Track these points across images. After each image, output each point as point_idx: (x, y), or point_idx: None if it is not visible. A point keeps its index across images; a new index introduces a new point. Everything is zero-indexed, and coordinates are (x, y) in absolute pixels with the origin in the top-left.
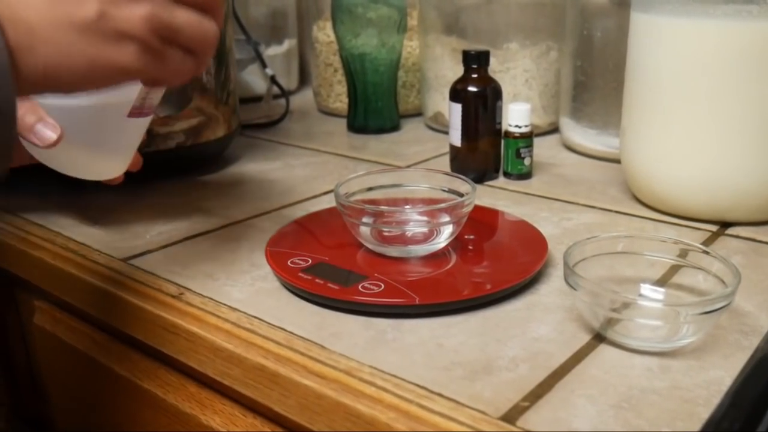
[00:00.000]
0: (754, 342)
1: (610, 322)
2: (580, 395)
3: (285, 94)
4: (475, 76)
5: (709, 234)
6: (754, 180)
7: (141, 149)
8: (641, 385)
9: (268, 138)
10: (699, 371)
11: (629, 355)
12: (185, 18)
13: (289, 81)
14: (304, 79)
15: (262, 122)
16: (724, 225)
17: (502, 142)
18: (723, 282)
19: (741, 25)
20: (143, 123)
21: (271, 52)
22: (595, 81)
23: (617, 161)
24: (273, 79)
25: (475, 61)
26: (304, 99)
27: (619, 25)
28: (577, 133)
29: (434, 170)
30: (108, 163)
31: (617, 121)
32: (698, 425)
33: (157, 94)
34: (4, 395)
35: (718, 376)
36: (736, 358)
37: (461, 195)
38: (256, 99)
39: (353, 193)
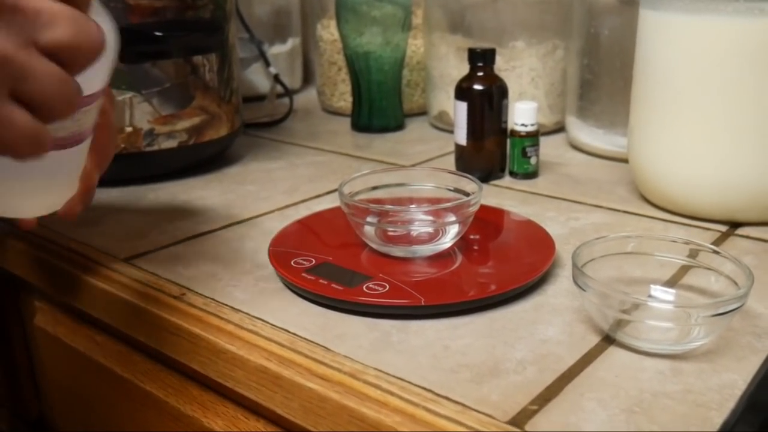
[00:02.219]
0: (767, 344)
1: (619, 324)
2: (590, 399)
3: (288, 92)
4: (480, 74)
5: (719, 234)
6: (765, 180)
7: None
8: (653, 389)
9: (271, 137)
10: (711, 374)
11: (640, 358)
12: (44, 70)
13: (292, 80)
14: (307, 77)
15: (265, 121)
16: (734, 225)
17: (508, 141)
18: (735, 283)
19: (753, 22)
20: (76, 151)
21: (274, 50)
22: (602, 79)
23: (625, 161)
24: (277, 78)
25: (481, 59)
26: (307, 98)
27: (627, 23)
28: (583, 133)
29: (440, 169)
30: (37, 199)
31: (624, 120)
32: (712, 430)
33: (88, 117)
34: (5, 397)
35: (732, 379)
36: (749, 361)
37: (467, 194)
38: (260, 98)
39: (357, 193)
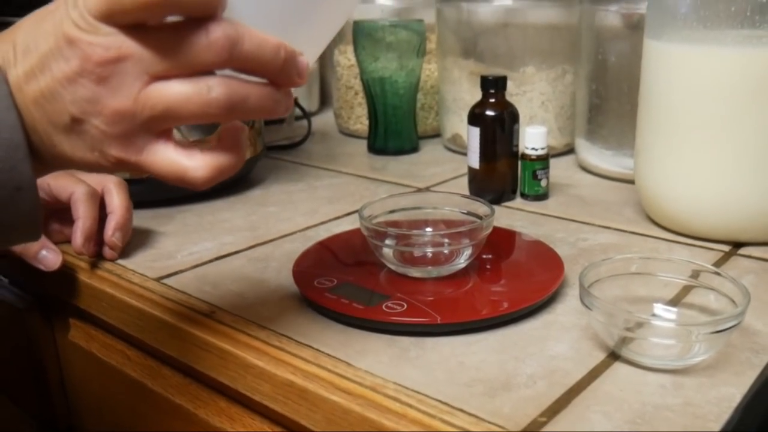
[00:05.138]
0: (764, 360)
1: (624, 341)
2: (595, 411)
3: (307, 116)
4: (492, 100)
5: (722, 254)
6: (766, 201)
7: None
8: (655, 402)
9: (291, 159)
10: (711, 388)
11: (643, 373)
12: (179, 92)
13: (310, 102)
14: (324, 99)
15: (285, 144)
16: (737, 245)
17: (519, 164)
18: (733, 302)
19: (751, 53)
20: None
21: None
22: (610, 103)
23: (632, 182)
24: (295, 102)
25: (493, 86)
26: (324, 120)
27: (633, 49)
28: (592, 154)
29: (454, 193)
30: None
31: (632, 142)
32: None
33: None
34: (36, 409)
35: (730, 393)
36: (747, 375)
37: (480, 217)
38: (279, 121)
39: (376, 216)
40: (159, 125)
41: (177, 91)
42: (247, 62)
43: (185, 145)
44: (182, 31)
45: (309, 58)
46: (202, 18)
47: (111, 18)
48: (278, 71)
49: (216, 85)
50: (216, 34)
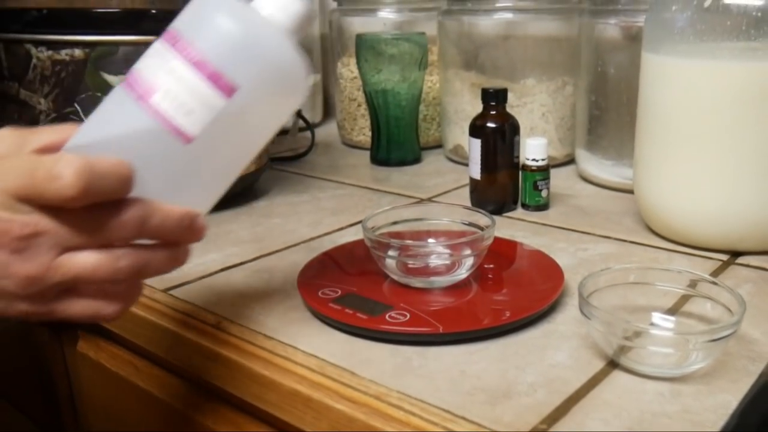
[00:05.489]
0: (760, 367)
1: (623, 350)
2: (594, 419)
3: (311, 128)
4: (493, 112)
5: (720, 263)
6: (763, 211)
7: None
8: (653, 410)
9: (295, 171)
10: (708, 396)
11: (641, 381)
12: (84, 266)
13: (313, 114)
14: (327, 111)
15: (289, 155)
16: (735, 254)
17: (520, 174)
18: (730, 311)
19: (746, 66)
20: None
21: None
22: (610, 115)
23: (632, 192)
24: (299, 114)
25: (494, 99)
26: (328, 132)
27: (632, 61)
28: (592, 165)
29: (455, 204)
30: None
31: (631, 152)
32: None
33: None
34: (45, 420)
35: (726, 400)
36: (743, 382)
37: (481, 228)
38: (283, 132)
39: (379, 227)
40: (69, 287)
41: (87, 261)
42: (155, 233)
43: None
44: (96, 211)
45: (206, 208)
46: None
47: (29, 200)
48: (180, 236)
49: (123, 256)
50: (128, 215)
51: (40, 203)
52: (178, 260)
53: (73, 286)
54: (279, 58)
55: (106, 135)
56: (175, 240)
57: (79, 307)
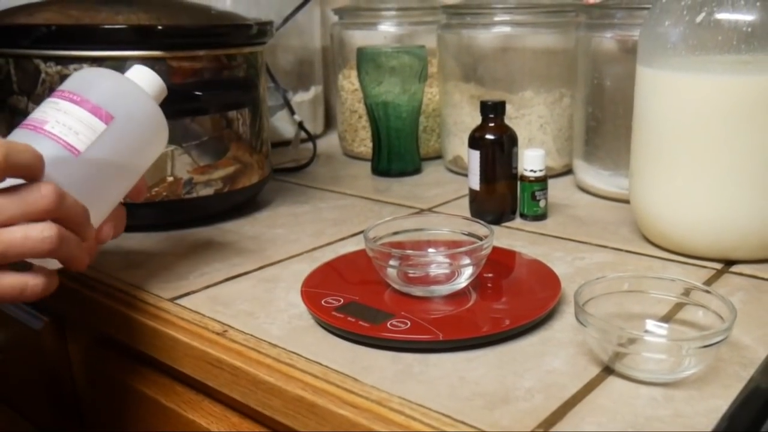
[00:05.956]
0: (751, 373)
1: (618, 356)
2: (590, 423)
3: (312, 139)
4: (492, 124)
5: (714, 272)
6: (756, 221)
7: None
8: (646, 414)
9: (297, 181)
10: (700, 400)
11: (636, 386)
12: (17, 234)
13: (315, 125)
14: (328, 122)
15: (291, 166)
16: (729, 263)
17: (518, 185)
18: (721, 318)
19: (736, 79)
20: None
21: (298, 98)
22: (606, 126)
23: (628, 201)
24: (301, 125)
25: (493, 111)
26: (329, 143)
27: (628, 74)
28: (589, 175)
29: (455, 215)
30: None
31: (627, 163)
32: None
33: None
34: (51, 427)
35: (718, 404)
36: (734, 388)
37: (480, 238)
38: (285, 143)
39: (381, 238)
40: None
41: (16, 233)
42: (69, 215)
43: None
44: (21, 189)
45: (97, 217)
46: (32, 181)
47: None
48: (86, 227)
49: (47, 228)
50: (47, 189)
51: None
52: (84, 257)
53: (2, 260)
54: (144, 105)
55: None
56: (82, 231)
57: (8, 280)
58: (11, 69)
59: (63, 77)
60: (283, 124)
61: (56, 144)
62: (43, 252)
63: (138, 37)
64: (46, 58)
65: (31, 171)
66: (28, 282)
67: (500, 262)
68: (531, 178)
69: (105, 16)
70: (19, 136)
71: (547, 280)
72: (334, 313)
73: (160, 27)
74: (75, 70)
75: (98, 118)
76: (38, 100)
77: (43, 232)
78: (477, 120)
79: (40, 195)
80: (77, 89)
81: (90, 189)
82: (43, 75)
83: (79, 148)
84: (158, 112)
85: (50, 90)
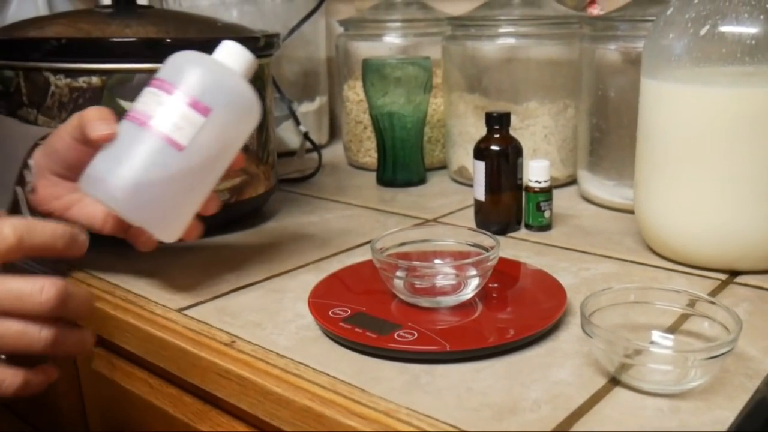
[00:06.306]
0: (757, 384)
1: (624, 367)
2: None
3: (317, 149)
4: (497, 135)
5: (719, 282)
6: (760, 231)
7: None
8: (652, 425)
9: (302, 192)
10: (706, 412)
11: (642, 397)
12: (14, 329)
13: (320, 135)
14: (333, 132)
15: (296, 176)
16: (733, 274)
17: (524, 196)
18: (727, 329)
19: (740, 91)
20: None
21: (303, 109)
22: (610, 137)
23: (633, 212)
24: (306, 136)
25: (498, 122)
26: (334, 153)
27: (632, 85)
28: (594, 185)
29: (461, 226)
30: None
31: (632, 173)
32: None
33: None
34: None
35: (724, 416)
36: (740, 399)
37: (486, 249)
38: (290, 153)
39: (387, 249)
40: None
41: (13, 328)
42: (72, 314)
43: None
44: (22, 287)
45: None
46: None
47: None
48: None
49: (45, 329)
50: (48, 294)
51: None
52: (79, 346)
53: None
54: (235, 88)
55: (125, 154)
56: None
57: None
58: (21, 81)
59: (72, 90)
60: (288, 135)
61: (162, 142)
62: (38, 350)
63: (147, 50)
64: (56, 71)
65: (48, 251)
66: (6, 378)
67: (506, 272)
68: (536, 189)
69: (114, 29)
70: (127, 129)
71: (552, 291)
72: (341, 323)
73: (168, 40)
74: (84, 82)
75: (198, 112)
76: (48, 113)
77: (41, 332)
78: (481, 130)
79: (40, 300)
80: (176, 80)
81: (192, 180)
82: (52, 87)
83: (182, 143)
84: (250, 94)
85: (59, 103)
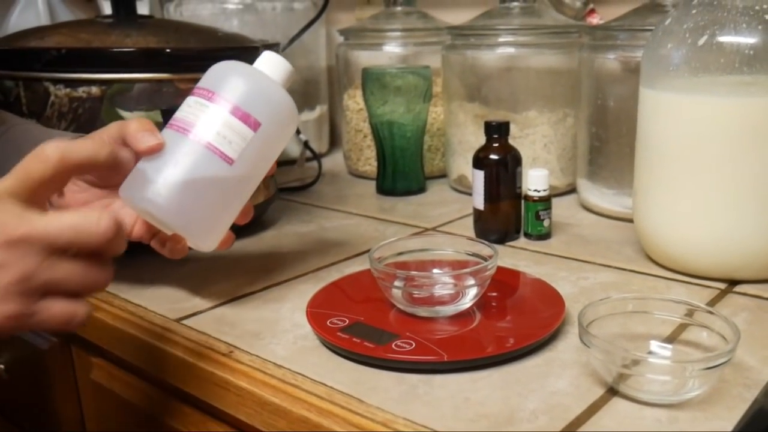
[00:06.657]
0: (755, 394)
1: (622, 377)
2: None
3: (317, 158)
4: (496, 145)
5: (718, 291)
6: (759, 241)
7: None
8: None
9: (302, 200)
10: (704, 422)
11: (640, 408)
12: (66, 271)
13: (320, 144)
14: (334, 141)
15: (296, 185)
16: (733, 283)
17: (523, 204)
18: (725, 339)
19: (738, 101)
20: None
21: (303, 117)
22: (610, 146)
23: (632, 221)
24: (306, 145)
25: (497, 131)
26: (334, 161)
27: (631, 94)
28: (593, 194)
29: (459, 235)
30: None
31: (631, 182)
32: None
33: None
34: None
35: (722, 426)
36: (739, 409)
37: (484, 258)
38: (290, 162)
39: (385, 258)
40: (51, 288)
41: (70, 264)
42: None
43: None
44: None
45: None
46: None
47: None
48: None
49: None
50: (107, 222)
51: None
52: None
53: (54, 288)
54: (280, 101)
55: (172, 161)
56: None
57: (58, 308)
58: (21, 91)
59: (72, 99)
60: (288, 143)
61: (213, 155)
62: (100, 288)
63: (147, 60)
64: (56, 81)
65: (92, 167)
66: (77, 310)
67: (504, 281)
68: (535, 198)
69: (114, 39)
70: (172, 138)
71: (551, 300)
72: (339, 333)
73: (168, 50)
74: (84, 92)
75: (248, 126)
76: (47, 123)
77: (102, 272)
78: (481, 139)
79: (98, 230)
80: (222, 91)
81: (236, 190)
82: (52, 97)
83: (232, 157)
84: (292, 105)
85: (59, 113)
